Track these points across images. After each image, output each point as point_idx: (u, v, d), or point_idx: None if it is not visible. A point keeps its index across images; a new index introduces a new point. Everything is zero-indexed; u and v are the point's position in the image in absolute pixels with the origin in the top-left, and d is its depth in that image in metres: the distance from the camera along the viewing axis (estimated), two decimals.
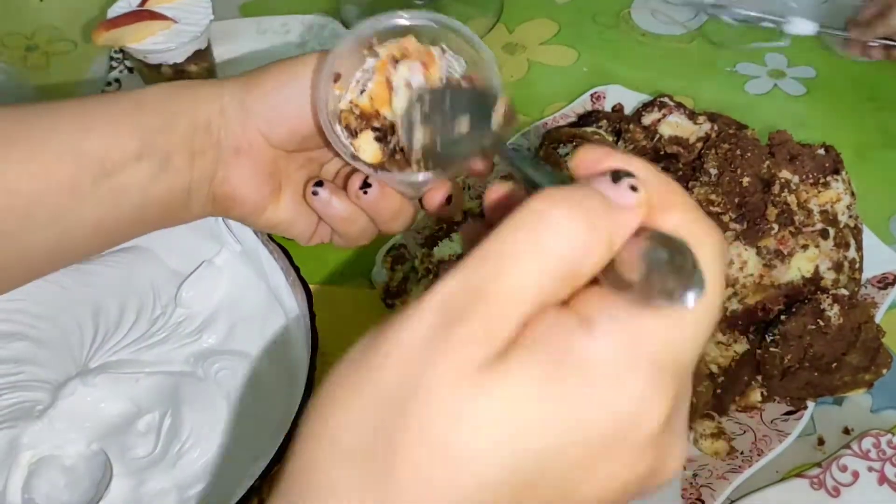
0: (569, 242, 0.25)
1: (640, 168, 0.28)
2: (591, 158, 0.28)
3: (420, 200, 0.46)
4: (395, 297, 0.64)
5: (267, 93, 0.43)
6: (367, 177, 0.44)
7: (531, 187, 0.30)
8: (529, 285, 0.25)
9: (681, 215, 0.27)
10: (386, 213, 0.45)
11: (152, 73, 0.76)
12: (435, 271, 0.64)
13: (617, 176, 0.26)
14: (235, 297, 0.60)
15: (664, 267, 0.25)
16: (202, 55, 0.77)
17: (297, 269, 0.56)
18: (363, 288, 0.69)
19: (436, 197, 0.44)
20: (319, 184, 0.45)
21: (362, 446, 0.25)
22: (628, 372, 0.24)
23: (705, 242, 0.26)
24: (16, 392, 0.55)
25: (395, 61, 0.42)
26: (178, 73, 0.76)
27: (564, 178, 0.29)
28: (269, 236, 0.58)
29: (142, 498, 0.52)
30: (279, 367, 0.57)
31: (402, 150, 0.42)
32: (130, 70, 0.83)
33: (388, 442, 0.25)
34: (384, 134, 0.43)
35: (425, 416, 0.24)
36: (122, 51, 0.79)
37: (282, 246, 0.57)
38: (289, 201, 0.46)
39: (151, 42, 0.72)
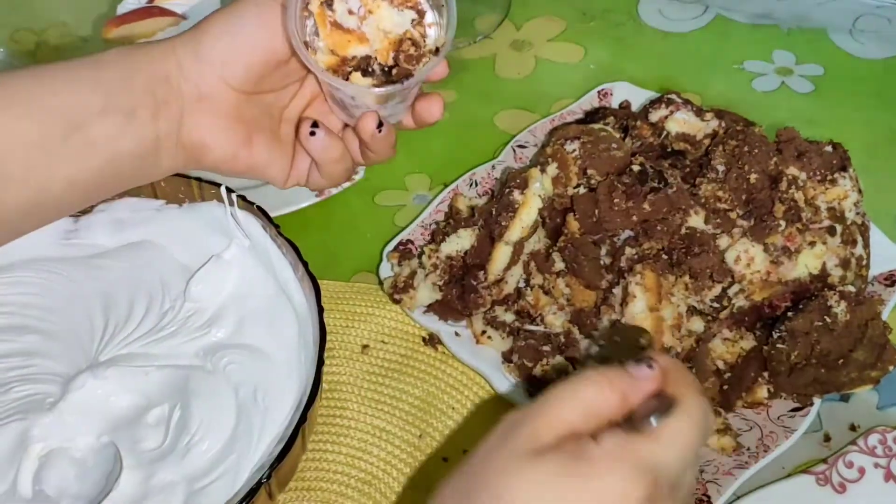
0: (595, 395, 0.37)
1: (662, 357, 0.39)
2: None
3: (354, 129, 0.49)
4: (402, 292, 0.65)
5: (217, 36, 0.45)
6: (314, 122, 0.48)
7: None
8: (566, 415, 0.37)
9: (680, 388, 0.38)
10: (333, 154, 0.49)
11: None
12: (442, 267, 0.64)
13: (640, 359, 0.39)
14: (244, 292, 0.60)
15: (651, 407, 0.37)
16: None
17: (305, 264, 0.56)
18: (371, 283, 0.70)
19: (369, 122, 0.47)
20: (315, 125, 0.47)
21: None
22: (614, 465, 0.35)
23: (687, 395, 0.38)
24: (27, 385, 0.56)
25: (328, 3, 0.45)
26: None
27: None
28: (278, 231, 0.58)
29: (151, 490, 0.53)
30: (287, 360, 0.58)
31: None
32: None
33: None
34: (364, 69, 0.46)
35: (482, 485, 0.36)
36: None
37: (290, 241, 0.57)
38: (262, 145, 0.48)
39: (161, 37, 0.73)
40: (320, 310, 0.54)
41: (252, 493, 0.47)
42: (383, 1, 0.46)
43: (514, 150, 0.76)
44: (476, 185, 0.73)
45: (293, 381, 0.57)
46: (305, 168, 0.51)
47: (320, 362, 0.52)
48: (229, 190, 0.60)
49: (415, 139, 0.81)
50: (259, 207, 0.59)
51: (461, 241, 0.64)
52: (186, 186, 0.61)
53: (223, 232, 0.61)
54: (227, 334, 0.59)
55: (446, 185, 0.76)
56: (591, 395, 0.37)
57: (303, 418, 0.50)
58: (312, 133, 0.47)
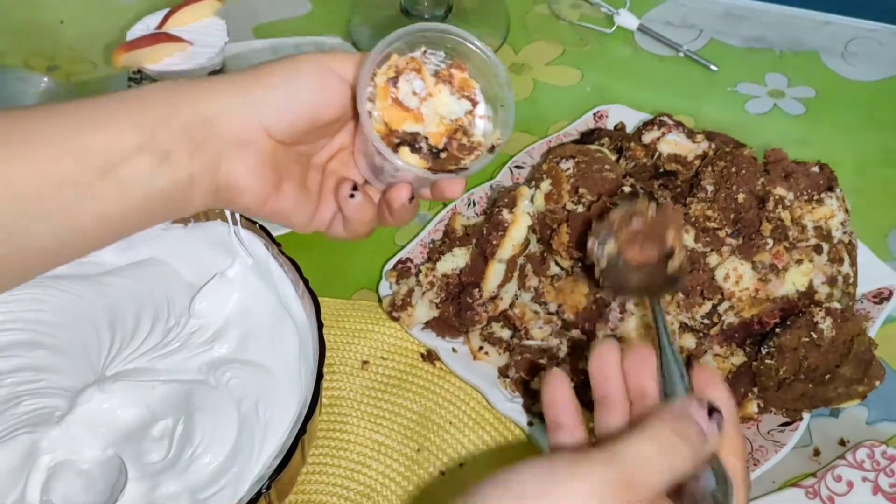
0: (680, 464, 0.39)
1: (726, 407, 0.42)
2: (706, 377, 0.45)
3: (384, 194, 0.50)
4: (401, 309, 0.66)
5: (273, 87, 0.46)
6: (354, 184, 0.49)
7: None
8: (653, 481, 0.38)
9: (736, 461, 0.42)
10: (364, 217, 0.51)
11: None
12: (439, 285, 0.66)
13: (711, 412, 0.41)
14: (247, 308, 0.62)
15: (709, 496, 0.40)
16: (217, 76, 0.79)
17: (305, 281, 0.58)
18: (371, 301, 0.71)
19: (403, 193, 0.49)
20: (355, 188, 0.49)
21: None
22: None
23: (741, 490, 0.41)
24: (36, 399, 0.57)
25: (394, 80, 0.46)
26: None
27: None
28: (280, 250, 0.60)
29: (155, 501, 0.54)
30: (288, 376, 0.59)
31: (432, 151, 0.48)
32: (138, 81, 0.86)
33: None
34: (412, 144, 0.47)
35: None
36: (139, 72, 0.82)
37: (291, 259, 0.59)
38: (290, 192, 0.49)
39: (168, 63, 0.75)
40: (320, 325, 0.55)
41: (252, 503, 0.48)
42: (445, 86, 0.47)
43: (511, 171, 0.78)
44: (474, 204, 0.75)
45: (294, 395, 0.58)
46: (328, 217, 0.52)
47: (319, 376, 0.53)
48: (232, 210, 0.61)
49: None
50: (262, 226, 0.61)
51: (456, 260, 0.66)
52: None
53: (227, 250, 0.63)
54: (229, 350, 0.61)
55: (445, 205, 0.78)
56: (677, 463, 0.39)
57: (302, 430, 0.51)
58: (352, 196, 0.49)
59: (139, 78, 0.88)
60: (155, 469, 0.56)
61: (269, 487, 0.49)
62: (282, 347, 0.60)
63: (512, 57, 0.93)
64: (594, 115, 0.82)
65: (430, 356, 0.68)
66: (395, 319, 0.67)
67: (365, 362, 0.68)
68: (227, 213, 0.62)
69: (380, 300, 0.70)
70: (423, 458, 0.64)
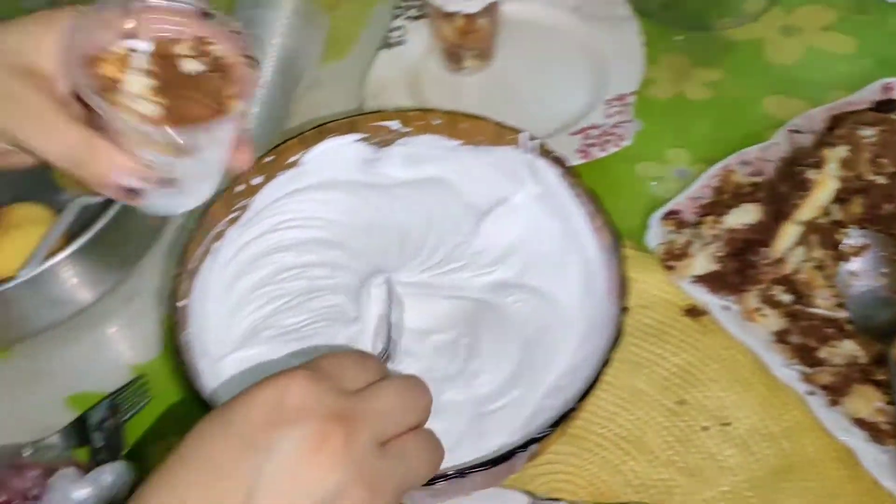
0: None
1: None
2: None
3: None
4: (677, 259, 0.65)
5: None
6: None
7: None
8: None
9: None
10: None
11: (443, 22, 0.80)
12: (724, 239, 0.64)
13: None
14: (531, 236, 0.62)
15: None
16: (492, 10, 0.79)
17: (606, 214, 0.57)
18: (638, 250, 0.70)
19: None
20: None
21: None
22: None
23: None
24: (331, 295, 0.60)
25: None
26: (470, 23, 0.79)
27: None
28: (578, 181, 0.59)
29: (439, 407, 0.55)
30: (570, 306, 0.59)
31: None
32: (415, 18, 0.87)
33: None
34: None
35: None
36: None
37: (592, 191, 0.59)
38: None
39: None
40: (619, 259, 0.55)
41: (561, 420, 0.48)
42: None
43: (790, 134, 0.74)
44: (747, 164, 0.72)
45: (576, 326, 0.58)
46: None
47: (623, 310, 0.53)
48: (531, 137, 0.61)
49: (679, 115, 0.81)
50: (558, 156, 0.60)
51: (745, 216, 0.64)
52: (486, 128, 0.63)
53: (514, 176, 0.63)
54: (513, 274, 0.61)
55: (707, 162, 0.75)
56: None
57: (605, 362, 0.51)
58: None
59: (408, 4, 0.89)
60: (439, 376, 0.57)
61: (575, 409, 0.49)
62: (565, 278, 0.60)
63: (783, 18, 0.88)
64: (882, 87, 0.77)
65: (693, 311, 0.66)
66: (670, 269, 0.65)
67: (625, 309, 0.67)
68: (525, 139, 0.62)
69: (642, 248, 0.68)
70: (683, 410, 0.63)
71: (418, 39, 0.85)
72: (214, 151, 0.45)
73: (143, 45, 0.45)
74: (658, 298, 0.68)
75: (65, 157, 0.43)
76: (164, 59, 0.45)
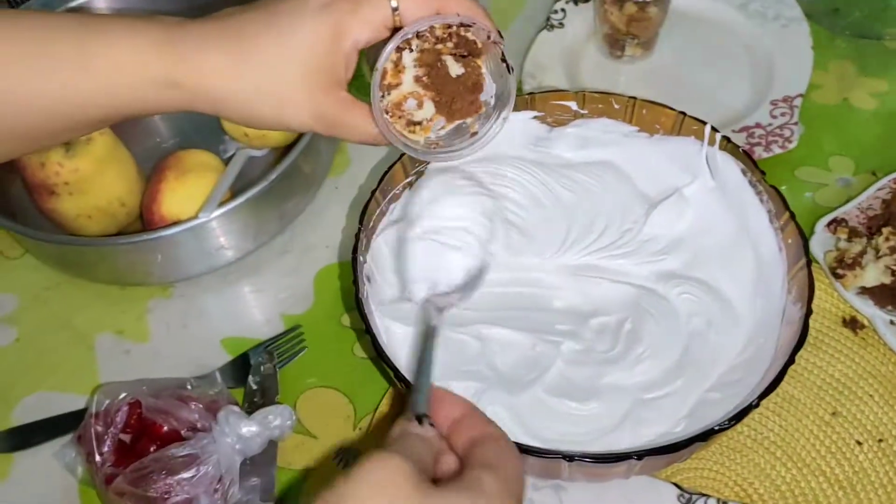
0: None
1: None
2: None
3: None
4: (849, 268, 0.63)
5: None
6: None
7: None
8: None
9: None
10: None
11: (613, 7, 0.79)
12: None
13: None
14: (702, 228, 0.62)
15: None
16: (664, 0, 0.79)
17: (792, 214, 0.56)
18: None
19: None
20: None
21: None
22: None
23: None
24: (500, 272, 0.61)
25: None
26: (641, 11, 0.78)
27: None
28: (763, 177, 0.59)
29: (601, 388, 0.56)
30: (740, 303, 0.58)
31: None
32: (576, 2, 0.86)
33: None
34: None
35: None
36: None
37: (776, 188, 0.58)
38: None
39: None
40: (808, 261, 0.54)
41: (742, 414, 0.48)
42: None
43: None
44: None
45: (744, 324, 0.58)
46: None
47: (808, 312, 0.52)
48: (714, 129, 0.61)
49: (844, 123, 0.79)
50: (745, 151, 0.59)
51: None
52: (668, 117, 0.62)
53: (688, 167, 0.63)
54: (681, 265, 0.61)
55: (873, 173, 0.73)
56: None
57: (791, 361, 0.50)
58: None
59: None
60: (599, 358, 0.57)
61: (757, 404, 0.49)
62: (735, 274, 0.59)
63: None
64: None
65: (853, 323, 0.65)
66: (839, 277, 0.64)
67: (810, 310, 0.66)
68: (707, 130, 0.61)
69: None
70: (837, 422, 0.61)
71: (579, 23, 0.85)
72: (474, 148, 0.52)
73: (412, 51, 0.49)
74: (817, 307, 0.66)
75: (370, 141, 0.50)
76: (430, 63, 0.49)
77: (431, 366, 0.41)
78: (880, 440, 0.61)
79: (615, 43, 0.82)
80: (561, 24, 0.85)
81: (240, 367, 0.65)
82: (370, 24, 0.46)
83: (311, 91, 0.47)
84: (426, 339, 0.44)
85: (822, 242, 0.67)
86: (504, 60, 0.49)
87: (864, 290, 0.64)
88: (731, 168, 0.60)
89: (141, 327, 0.70)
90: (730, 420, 0.48)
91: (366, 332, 0.53)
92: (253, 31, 0.46)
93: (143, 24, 0.46)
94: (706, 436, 0.47)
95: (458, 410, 0.40)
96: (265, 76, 0.46)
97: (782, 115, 0.76)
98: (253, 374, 0.64)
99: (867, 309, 0.64)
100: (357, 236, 0.57)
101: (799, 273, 0.54)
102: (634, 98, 0.63)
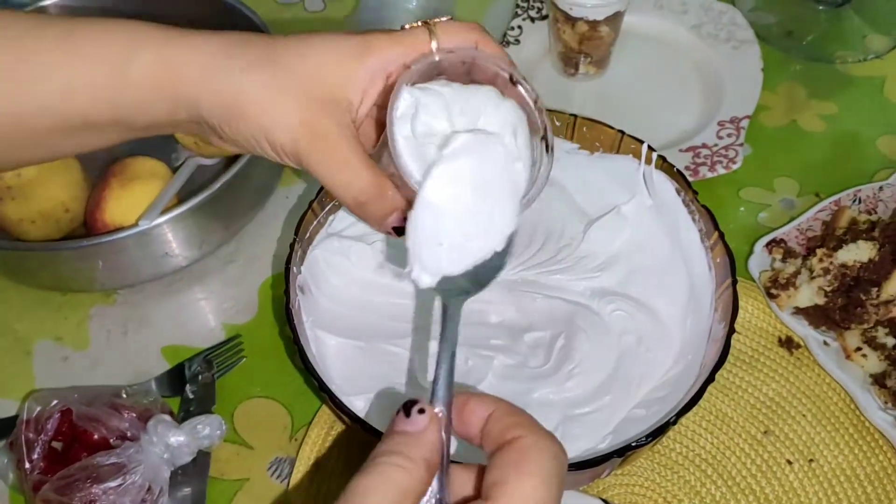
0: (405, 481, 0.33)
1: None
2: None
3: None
4: (782, 288, 0.64)
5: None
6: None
7: None
8: None
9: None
10: None
11: (565, 25, 0.80)
12: (834, 273, 0.63)
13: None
14: (637, 246, 0.62)
15: None
16: (616, 19, 0.79)
17: (721, 234, 0.57)
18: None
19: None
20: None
21: None
22: None
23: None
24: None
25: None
26: (592, 30, 0.79)
27: None
28: (695, 196, 0.59)
29: (530, 403, 0.56)
30: (672, 321, 0.59)
31: None
32: (533, 19, 0.87)
33: None
34: None
35: None
36: None
37: (707, 208, 0.58)
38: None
39: None
40: (734, 281, 0.54)
41: (660, 431, 0.48)
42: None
43: None
44: (860, 202, 0.71)
45: (674, 341, 0.58)
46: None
47: (731, 331, 0.52)
48: (651, 148, 0.61)
49: (791, 144, 0.80)
50: (679, 171, 0.60)
51: (859, 253, 0.63)
52: (607, 135, 0.63)
53: (627, 185, 0.63)
54: (615, 282, 0.61)
55: (816, 194, 0.74)
56: (400, 479, 0.33)
57: (710, 379, 0.51)
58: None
59: (527, 5, 0.89)
60: (531, 374, 0.58)
61: (675, 421, 0.49)
62: (669, 293, 0.60)
63: None
64: None
65: (788, 342, 0.65)
66: (772, 297, 0.64)
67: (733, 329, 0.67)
68: (644, 149, 0.62)
69: (740, 273, 0.68)
70: (768, 441, 0.62)
71: (535, 41, 0.86)
72: None
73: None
74: (753, 325, 0.67)
75: (353, 197, 0.43)
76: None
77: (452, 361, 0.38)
78: (811, 460, 0.61)
79: (569, 61, 0.83)
80: (517, 41, 0.86)
81: (177, 376, 0.65)
82: (404, 45, 0.43)
83: (309, 97, 0.42)
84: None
85: (759, 262, 0.68)
86: (545, 138, 0.44)
87: (799, 311, 0.65)
88: (666, 187, 0.61)
89: (81, 334, 0.70)
90: (647, 437, 0.48)
91: (293, 343, 0.53)
92: (283, 48, 0.43)
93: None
94: (622, 451, 0.48)
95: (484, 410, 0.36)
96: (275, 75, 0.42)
97: (728, 135, 0.77)
98: (190, 384, 0.64)
99: (801, 329, 0.64)
100: (292, 247, 0.57)
101: (725, 292, 0.55)
102: (575, 116, 0.63)
